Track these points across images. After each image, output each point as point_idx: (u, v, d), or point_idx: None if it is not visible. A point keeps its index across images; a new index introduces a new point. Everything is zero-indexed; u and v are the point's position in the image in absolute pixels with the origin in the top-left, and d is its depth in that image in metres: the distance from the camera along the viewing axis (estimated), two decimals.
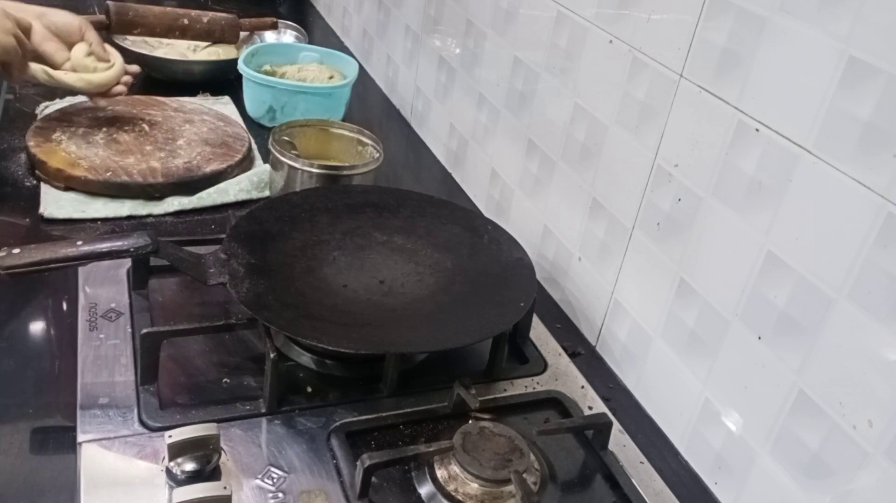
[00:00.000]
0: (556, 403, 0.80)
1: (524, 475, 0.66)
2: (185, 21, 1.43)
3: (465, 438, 0.68)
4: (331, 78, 1.38)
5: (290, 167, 1.04)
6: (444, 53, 1.29)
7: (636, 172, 0.83)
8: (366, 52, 1.68)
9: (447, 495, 0.66)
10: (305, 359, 0.80)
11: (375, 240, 0.93)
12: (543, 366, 0.85)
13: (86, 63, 1.08)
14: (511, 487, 0.66)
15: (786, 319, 0.65)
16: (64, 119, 1.16)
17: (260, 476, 0.66)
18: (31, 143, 1.08)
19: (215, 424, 0.64)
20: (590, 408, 0.80)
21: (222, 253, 0.82)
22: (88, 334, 0.78)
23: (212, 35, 1.47)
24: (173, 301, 0.86)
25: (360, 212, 0.96)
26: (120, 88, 1.12)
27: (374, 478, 0.65)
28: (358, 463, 0.65)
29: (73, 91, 1.11)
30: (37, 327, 0.83)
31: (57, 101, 1.25)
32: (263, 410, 0.73)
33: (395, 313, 0.82)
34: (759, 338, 0.68)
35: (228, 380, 0.76)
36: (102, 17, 1.34)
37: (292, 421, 0.72)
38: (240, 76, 1.31)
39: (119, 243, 0.76)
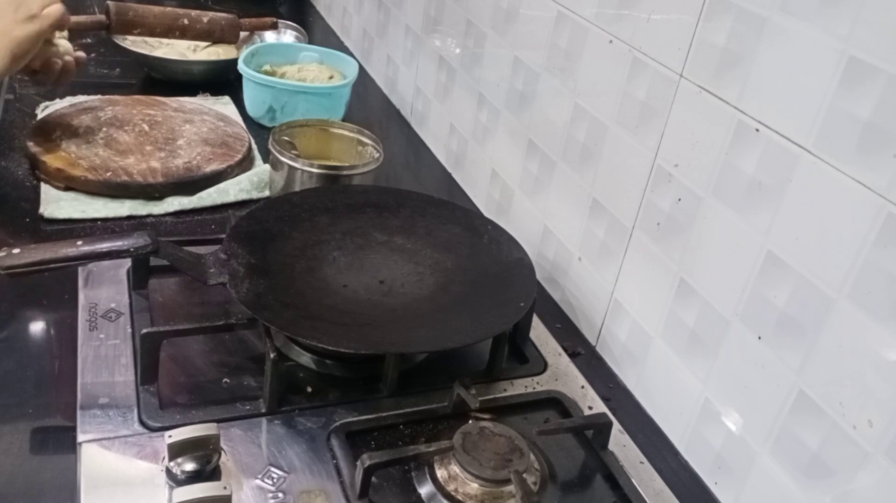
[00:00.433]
0: (556, 403, 0.80)
1: (524, 475, 0.66)
2: (185, 21, 1.43)
3: (465, 438, 0.68)
4: (331, 78, 1.38)
5: (290, 167, 1.04)
6: (444, 53, 1.29)
7: (636, 172, 0.83)
8: (366, 52, 1.68)
9: (447, 495, 0.66)
10: (305, 359, 0.80)
11: (375, 240, 0.93)
12: (543, 366, 0.85)
13: None
14: (511, 487, 0.66)
15: (786, 319, 0.65)
16: (64, 119, 1.16)
17: (260, 476, 0.66)
18: (30, 143, 1.08)
19: (215, 424, 0.64)
20: (590, 408, 0.80)
21: (222, 253, 0.81)
22: (88, 334, 0.78)
23: (212, 35, 1.47)
24: (173, 301, 0.86)
25: (360, 212, 0.96)
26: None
27: (374, 478, 0.65)
28: (358, 463, 0.65)
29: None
30: (37, 327, 0.83)
31: (57, 101, 1.25)
32: (263, 410, 0.73)
33: (395, 313, 0.82)
34: (759, 338, 0.68)
35: (228, 380, 0.76)
36: (102, 17, 1.34)
37: (292, 421, 0.72)
38: (240, 76, 1.31)
39: (119, 243, 0.76)
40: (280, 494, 0.64)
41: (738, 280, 0.70)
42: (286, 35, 1.66)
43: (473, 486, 0.66)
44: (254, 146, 1.23)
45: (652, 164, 0.80)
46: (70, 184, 1.04)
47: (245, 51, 1.37)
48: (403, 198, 0.99)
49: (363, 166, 1.06)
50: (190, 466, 0.63)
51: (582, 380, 0.84)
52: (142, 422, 0.69)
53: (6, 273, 0.72)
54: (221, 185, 1.09)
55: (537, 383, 0.83)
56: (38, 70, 1.06)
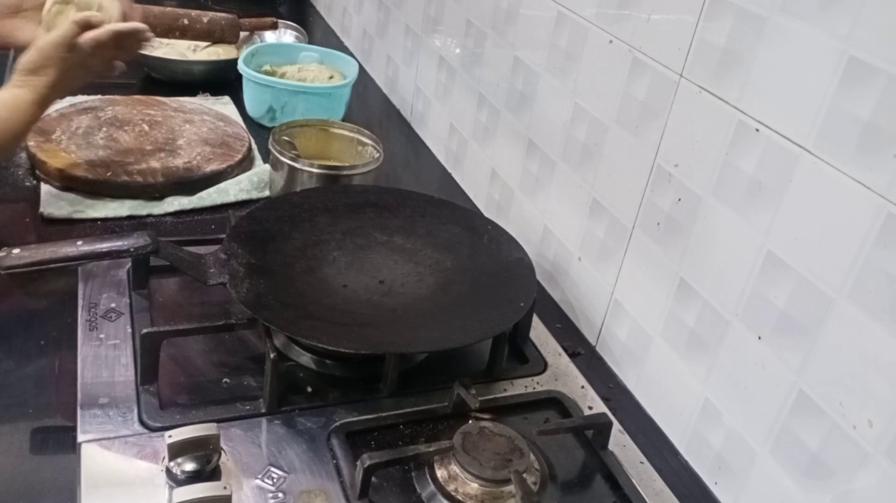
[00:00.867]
0: (556, 403, 0.80)
1: (524, 475, 0.66)
2: (185, 21, 1.43)
3: (465, 438, 0.68)
4: (331, 78, 1.38)
5: (290, 167, 1.04)
6: (444, 53, 1.29)
7: (636, 172, 0.83)
8: (366, 52, 1.68)
9: (447, 495, 0.66)
10: (305, 359, 0.80)
11: (375, 240, 0.93)
12: (543, 366, 0.85)
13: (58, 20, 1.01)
14: (511, 487, 0.66)
15: (786, 319, 0.65)
16: (64, 119, 1.16)
17: (260, 476, 0.66)
18: (31, 143, 1.08)
19: (215, 424, 0.64)
20: (590, 408, 0.80)
21: (222, 253, 0.81)
22: (88, 334, 0.78)
23: (212, 35, 1.47)
24: (173, 301, 0.86)
25: (360, 212, 0.96)
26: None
27: (374, 478, 0.65)
28: (358, 463, 0.65)
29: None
30: (37, 327, 0.83)
31: (57, 101, 1.25)
32: (263, 410, 0.73)
33: (395, 313, 0.82)
34: (759, 338, 0.68)
35: (228, 380, 0.76)
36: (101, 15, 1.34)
37: (292, 421, 0.72)
38: (240, 76, 1.31)
39: (119, 243, 0.77)
40: (280, 494, 0.64)
41: (738, 280, 0.70)
42: (286, 35, 1.66)
43: (473, 486, 0.66)
44: (254, 146, 1.23)
45: (652, 164, 0.80)
46: (70, 184, 1.04)
47: (245, 51, 1.37)
48: (403, 198, 0.99)
49: (363, 166, 1.06)
50: (190, 466, 0.63)
51: (582, 380, 0.84)
52: (142, 422, 0.69)
53: (6, 273, 0.72)
54: (221, 185, 1.09)
55: (537, 383, 0.83)
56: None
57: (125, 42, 1.00)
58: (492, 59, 1.13)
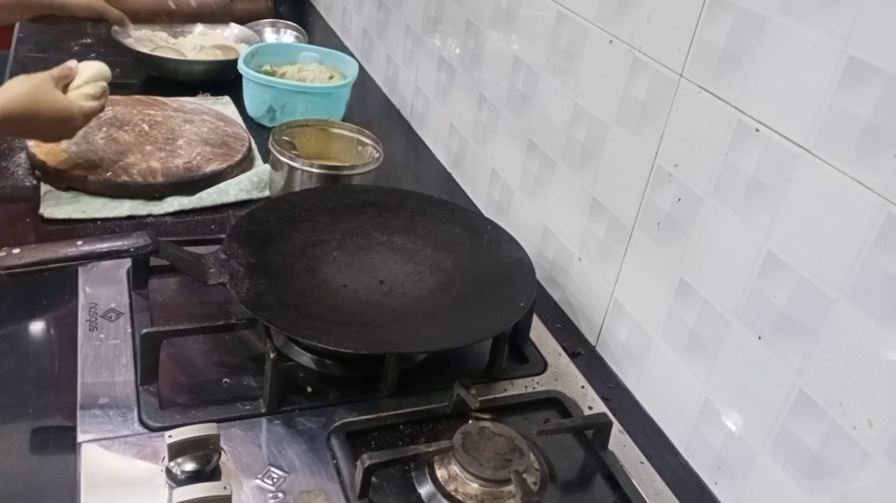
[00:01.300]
0: (556, 403, 0.80)
1: (524, 475, 0.66)
2: (172, 5, 1.38)
3: (465, 438, 0.68)
4: (331, 78, 1.38)
5: (290, 167, 1.04)
6: (444, 53, 1.29)
7: (636, 172, 0.83)
8: (366, 52, 1.68)
9: (447, 495, 0.66)
10: (305, 359, 0.80)
11: (375, 240, 0.93)
12: (543, 366, 0.85)
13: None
14: (511, 487, 0.66)
15: (786, 319, 0.65)
16: None
17: (260, 476, 0.66)
18: (31, 144, 1.08)
19: (215, 424, 0.64)
20: (590, 407, 0.80)
21: (222, 253, 0.81)
22: (88, 334, 0.78)
23: (201, 18, 1.43)
24: (173, 301, 0.86)
25: (360, 212, 0.96)
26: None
27: (374, 478, 0.65)
28: (358, 463, 0.65)
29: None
30: (37, 327, 0.83)
31: None
32: (263, 410, 0.73)
33: (395, 313, 0.82)
34: (759, 338, 0.68)
35: (228, 380, 0.76)
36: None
37: (292, 421, 0.72)
38: (239, 76, 1.31)
39: (119, 243, 0.77)
40: (280, 494, 0.64)
41: (738, 280, 0.70)
42: (286, 35, 1.66)
43: (473, 486, 0.66)
44: (254, 146, 1.23)
45: (652, 163, 0.80)
46: (70, 184, 1.04)
47: (245, 51, 1.37)
48: (403, 198, 0.99)
49: (363, 166, 1.06)
50: (190, 466, 0.63)
51: (582, 380, 0.84)
52: (142, 422, 0.69)
53: (6, 273, 0.72)
54: (221, 186, 1.09)
55: (537, 383, 0.83)
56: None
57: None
58: (492, 59, 1.13)
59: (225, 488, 0.60)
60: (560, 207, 0.98)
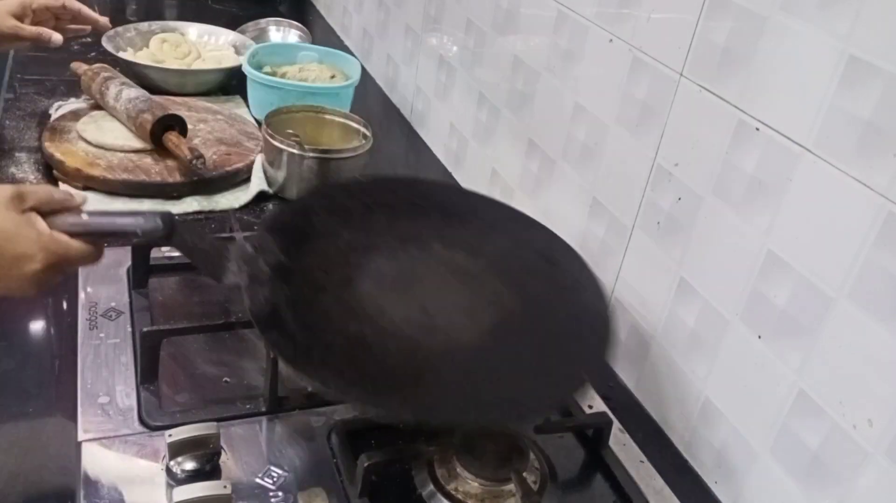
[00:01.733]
0: None
1: (524, 474, 0.66)
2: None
3: (466, 437, 0.68)
4: (332, 77, 1.38)
5: (279, 149, 1.06)
6: (444, 53, 1.29)
7: (636, 171, 0.83)
8: (366, 51, 1.68)
9: (447, 494, 0.66)
10: None
11: (434, 253, 0.79)
12: None
13: None
14: (511, 486, 0.66)
15: (786, 319, 0.65)
16: (79, 119, 1.16)
17: (260, 475, 0.66)
18: (47, 144, 1.08)
19: (215, 423, 0.64)
20: (590, 406, 0.80)
21: (250, 245, 0.70)
22: (88, 333, 0.79)
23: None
24: (173, 300, 0.86)
25: (424, 214, 0.81)
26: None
27: (373, 478, 0.65)
28: (358, 462, 0.65)
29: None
30: (37, 327, 0.83)
31: (72, 100, 1.25)
32: (264, 409, 0.73)
33: (428, 361, 0.68)
34: (760, 337, 0.68)
35: (229, 380, 0.76)
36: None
37: (292, 420, 0.72)
38: (242, 81, 1.31)
39: (128, 221, 0.64)
40: (280, 493, 0.64)
41: (739, 279, 0.70)
42: (290, 34, 1.66)
43: (473, 485, 0.66)
44: None
45: (652, 163, 0.80)
46: (89, 183, 1.03)
47: (246, 53, 1.37)
48: (476, 204, 0.84)
49: (353, 150, 1.08)
50: (190, 465, 0.63)
51: None
52: (142, 422, 0.69)
53: None
54: (236, 192, 1.09)
55: None
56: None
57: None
58: (492, 59, 1.13)
59: (225, 487, 0.60)
60: (560, 207, 0.98)
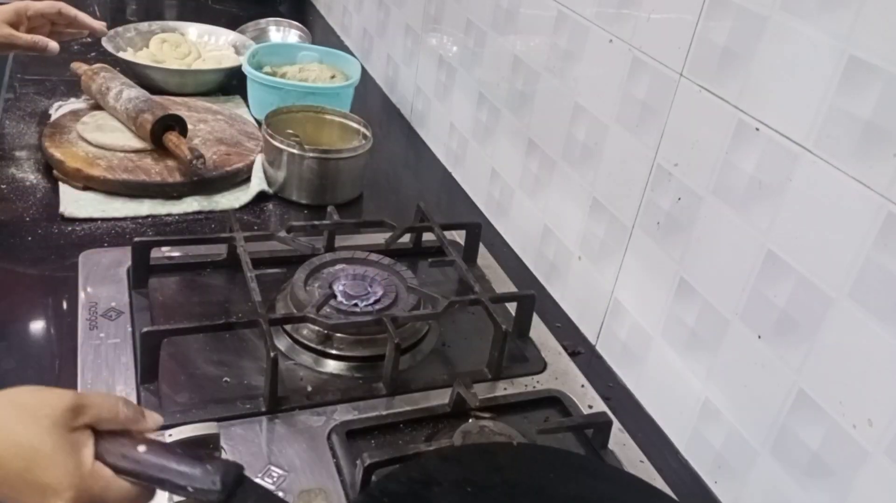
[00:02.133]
0: (556, 402, 0.80)
1: None
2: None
3: (466, 437, 0.68)
4: (332, 77, 1.38)
5: (279, 149, 1.07)
6: (444, 53, 1.29)
7: (636, 171, 0.83)
8: (366, 51, 1.68)
9: None
10: (305, 358, 0.80)
11: None
12: (543, 366, 0.85)
13: None
14: None
15: (786, 319, 0.65)
16: (78, 118, 1.16)
17: (260, 475, 0.66)
18: (47, 144, 1.08)
19: (216, 423, 0.64)
20: (590, 406, 0.80)
21: None
22: (89, 333, 0.79)
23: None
24: (173, 300, 0.86)
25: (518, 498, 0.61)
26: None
27: (373, 478, 0.65)
28: (358, 462, 0.65)
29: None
30: (37, 327, 0.83)
31: (72, 100, 1.25)
32: (264, 409, 0.73)
33: None
34: (760, 337, 0.68)
35: (229, 380, 0.76)
36: None
37: (292, 420, 0.72)
38: (242, 81, 1.31)
39: (184, 470, 0.53)
40: (280, 493, 0.64)
41: (739, 279, 0.70)
42: (290, 34, 1.66)
43: None
44: None
45: (652, 163, 0.80)
46: (89, 183, 1.04)
47: (246, 53, 1.37)
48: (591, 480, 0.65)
49: (352, 150, 1.09)
50: None
51: (582, 379, 0.84)
52: None
53: None
54: (236, 192, 1.09)
55: (537, 382, 0.83)
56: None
57: None
58: (492, 59, 1.13)
59: None
60: (560, 206, 0.98)
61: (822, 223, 0.61)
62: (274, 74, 1.36)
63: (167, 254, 0.91)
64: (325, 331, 0.80)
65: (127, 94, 1.15)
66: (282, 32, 1.67)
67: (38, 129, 1.17)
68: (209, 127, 1.20)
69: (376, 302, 0.84)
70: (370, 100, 1.55)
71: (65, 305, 0.84)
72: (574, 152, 0.94)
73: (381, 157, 1.27)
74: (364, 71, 1.43)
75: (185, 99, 1.29)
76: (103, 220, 1.00)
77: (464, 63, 1.22)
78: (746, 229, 0.69)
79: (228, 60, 1.45)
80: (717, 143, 0.71)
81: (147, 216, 1.02)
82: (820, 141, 0.61)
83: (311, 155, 1.07)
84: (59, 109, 1.22)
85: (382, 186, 1.22)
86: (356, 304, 0.83)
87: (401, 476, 0.60)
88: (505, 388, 0.81)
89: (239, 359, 0.79)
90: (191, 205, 1.05)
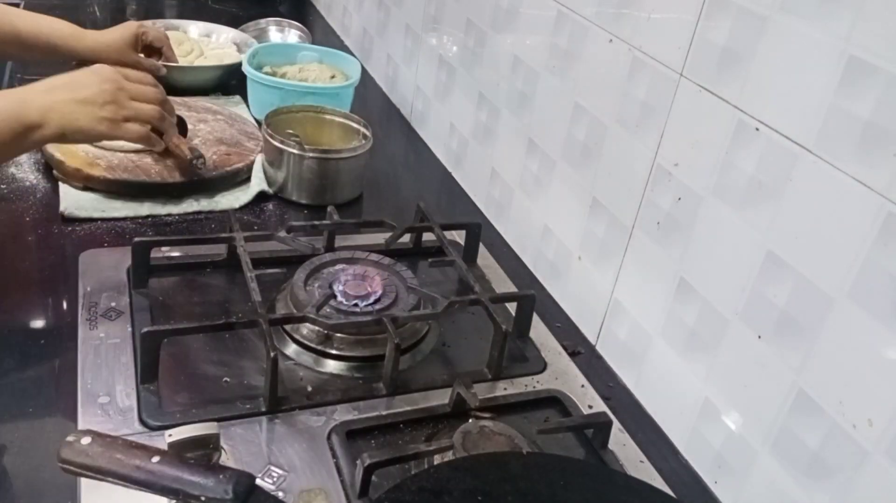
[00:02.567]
0: (556, 402, 0.80)
1: None
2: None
3: (466, 437, 0.68)
4: (332, 77, 1.38)
5: (280, 150, 1.06)
6: (444, 52, 1.29)
7: (636, 171, 0.83)
8: (366, 51, 1.68)
9: None
10: (305, 358, 0.80)
11: None
12: (543, 366, 0.85)
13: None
14: None
15: (786, 318, 0.65)
16: None
17: (260, 475, 0.66)
18: (47, 144, 1.08)
19: (216, 423, 0.64)
20: (590, 406, 0.80)
21: None
22: (89, 333, 0.79)
23: None
24: (173, 300, 0.86)
25: None
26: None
27: (373, 478, 0.65)
28: (358, 462, 0.65)
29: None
30: (37, 327, 0.83)
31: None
32: (264, 409, 0.73)
33: None
34: (759, 337, 0.68)
35: (229, 379, 0.76)
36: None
37: (292, 420, 0.72)
38: (242, 80, 1.31)
39: (197, 480, 0.54)
40: (280, 493, 0.64)
41: (738, 279, 0.70)
42: (290, 34, 1.66)
43: None
44: None
45: (652, 163, 0.80)
46: (89, 183, 1.03)
47: (246, 53, 1.37)
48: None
49: (352, 150, 1.08)
50: None
51: (582, 379, 0.84)
52: (142, 421, 0.69)
53: (61, 466, 0.56)
54: (236, 192, 1.09)
55: (537, 382, 0.83)
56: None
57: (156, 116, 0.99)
58: (492, 59, 1.13)
59: None
60: (560, 206, 0.98)
61: (822, 223, 0.61)
62: (274, 74, 1.36)
63: (167, 254, 0.91)
64: (325, 331, 0.80)
65: None
66: (282, 32, 1.67)
67: None
68: (209, 127, 1.20)
69: (376, 302, 0.84)
70: (370, 100, 1.55)
71: (65, 305, 0.84)
72: (574, 152, 0.94)
73: (381, 157, 1.27)
74: (364, 71, 1.43)
75: (185, 99, 1.29)
76: (103, 220, 1.00)
77: (464, 63, 1.22)
78: (746, 229, 0.69)
79: (230, 58, 1.46)
80: (717, 143, 0.71)
81: (147, 216, 1.02)
82: (820, 141, 0.61)
83: (311, 155, 1.07)
84: None
85: (382, 186, 1.22)
86: (356, 304, 0.83)
87: (411, 486, 0.61)
88: (505, 388, 0.81)
89: (239, 359, 0.79)
90: (191, 205, 1.05)
